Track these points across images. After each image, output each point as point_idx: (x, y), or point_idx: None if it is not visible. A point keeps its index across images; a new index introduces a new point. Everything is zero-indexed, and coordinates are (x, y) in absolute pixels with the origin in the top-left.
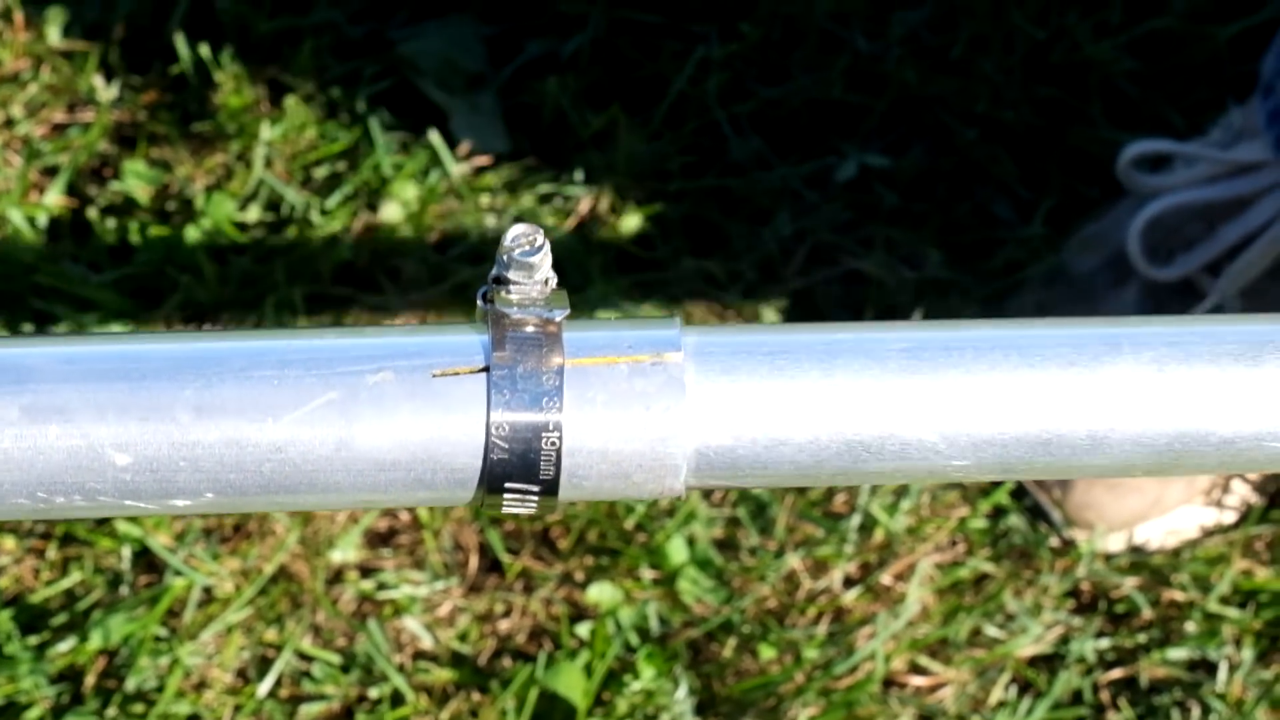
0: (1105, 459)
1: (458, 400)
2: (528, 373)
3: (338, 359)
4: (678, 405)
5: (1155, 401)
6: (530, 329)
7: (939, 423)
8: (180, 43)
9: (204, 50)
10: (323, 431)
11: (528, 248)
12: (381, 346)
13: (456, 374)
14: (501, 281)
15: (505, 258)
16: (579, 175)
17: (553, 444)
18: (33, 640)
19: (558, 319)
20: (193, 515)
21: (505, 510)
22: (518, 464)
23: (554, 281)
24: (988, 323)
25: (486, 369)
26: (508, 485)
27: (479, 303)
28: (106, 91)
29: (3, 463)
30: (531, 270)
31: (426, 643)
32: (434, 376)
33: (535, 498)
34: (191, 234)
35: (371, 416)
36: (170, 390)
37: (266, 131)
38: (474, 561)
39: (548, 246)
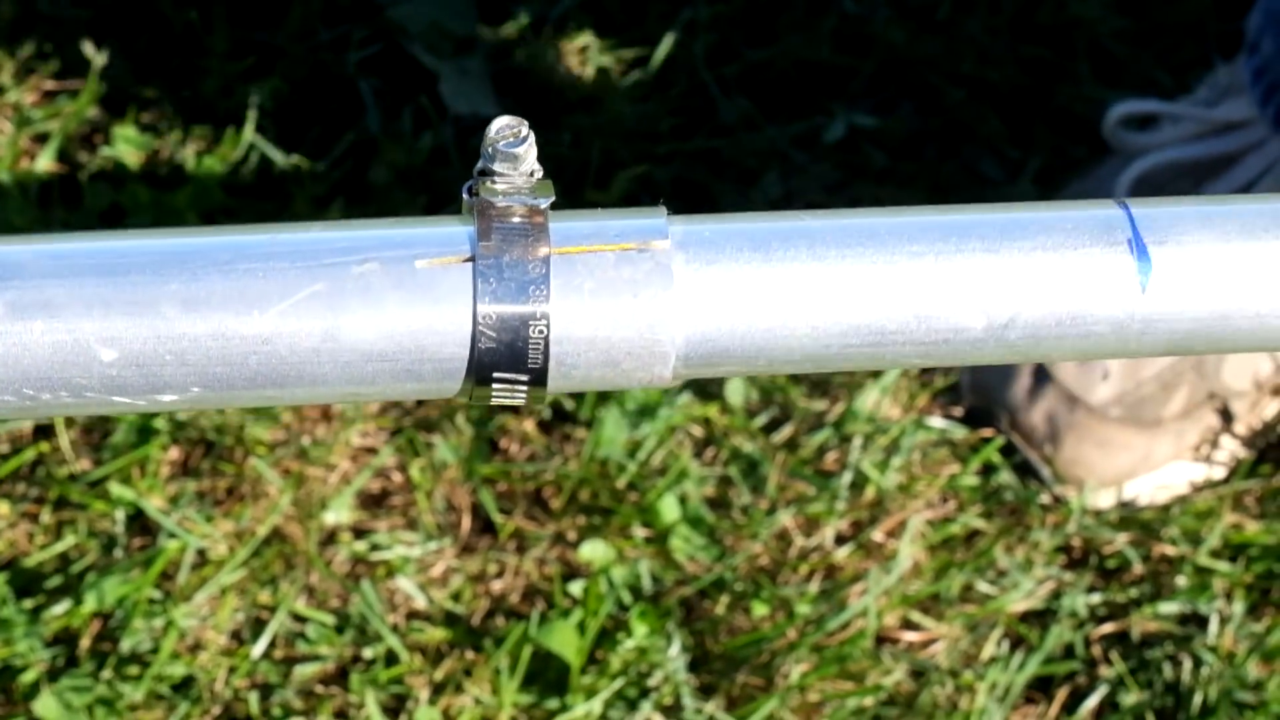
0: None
1: (444, 290)
2: (514, 262)
3: (323, 251)
4: (665, 292)
5: None
6: (516, 219)
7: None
8: (169, 7)
9: (193, 15)
10: (309, 323)
11: (512, 139)
12: (367, 238)
13: (443, 264)
14: (487, 174)
15: (490, 149)
16: (567, 138)
17: (540, 332)
18: (27, 604)
19: (543, 207)
20: (181, 409)
21: (494, 401)
22: (505, 353)
23: (539, 173)
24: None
25: (472, 259)
26: (496, 375)
27: (464, 195)
28: (97, 57)
29: None
30: (517, 161)
31: (420, 603)
32: (419, 266)
33: (524, 388)
34: (182, 198)
35: (358, 307)
36: (156, 284)
37: (256, 95)
38: (466, 522)
39: (532, 138)
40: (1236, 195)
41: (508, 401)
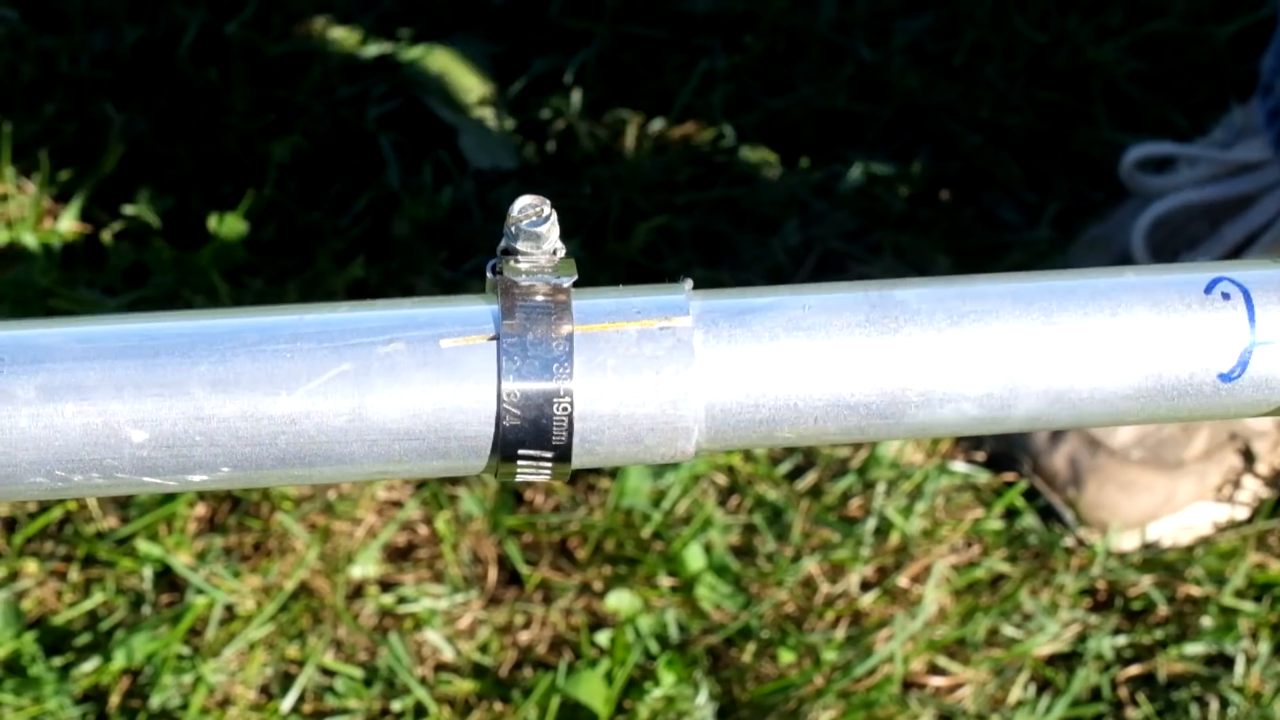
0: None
1: (469, 369)
2: (538, 340)
3: (350, 331)
4: (687, 369)
5: None
6: (539, 297)
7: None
8: (189, 66)
9: (213, 73)
10: (336, 403)
11: (535, 218)
12: (392, 318)
13: (468, 343)
14: (510, 252)
15: (513, 229)
16: (587, 189)
17: (564, 410)
18: (57, 662)
19: (566, 286)
20: (210, 489)
21: (520, 478)
22: (530, 431)
23: (562, 251)
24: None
25: (496, 337)
26: (521, 452)
27: (488, 274)
28: (117, 117)
29: (20, 441)
30: (539, 240)
31: (448, 655)
32: (444, 346)
33: (549, 464)
34: (205, 256)
35: (384, 387)
36: (185, 366)
37: (277, 152)
38: (493, 573)
39: (555, 216)
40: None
41: (533, 477)
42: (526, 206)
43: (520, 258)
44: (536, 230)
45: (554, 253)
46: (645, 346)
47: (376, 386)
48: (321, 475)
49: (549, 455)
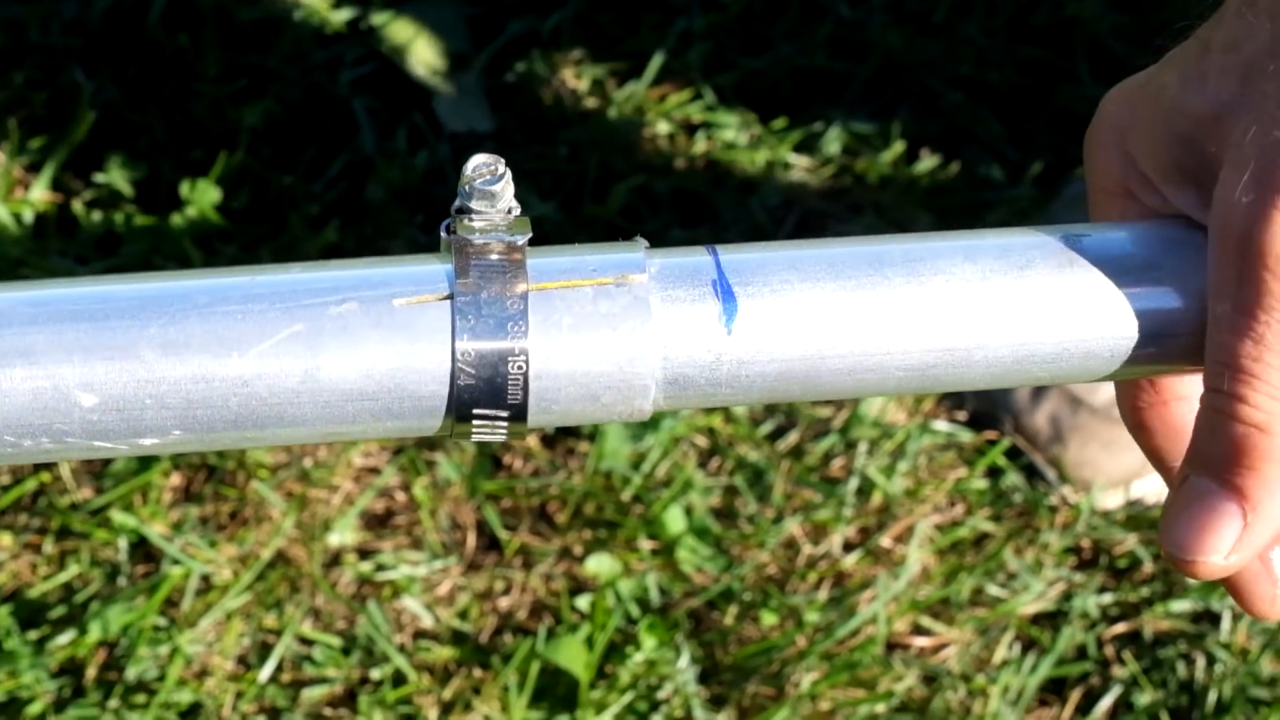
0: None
1: (423, 328)
2: (492, 298)
3: (302, 292)
4: (644, 326)
5: None
6: (494, 256)
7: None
8: (160, 33)
9: (184, 39)
10: (289, 364)
11: (489, 176)
12: (345, 278)
13: (421, 302)
14: (464, 211)
15: (467, 188)
16: (564, 151)
17: (519, 368)
18: (32, 635)
19: (521, 244)
20: (162, 454)
21: (475, 438)
22: (485, 390)
23: (517, 210)
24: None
25: (450, 296)
26: (476, 412)
27: (443, 234)
28: (88, 85)
29: None
30: (494, 199)
31: (427, 622)
32: (397, 305)
33: (504, 423)
34: (177, 223)
35: (337, 347)
36: (135, 329)
37: (249, 118)
38: (472, 539)
39: (509, 175)
40: (829, 240)
41: (488, 437)
42: (480, 165)
43: (474, 216)
44: (490, 189)
45: (508, 211)
46: (601, 304)
47: (329, 347)
48: (274, 437)
49: (504, 414)
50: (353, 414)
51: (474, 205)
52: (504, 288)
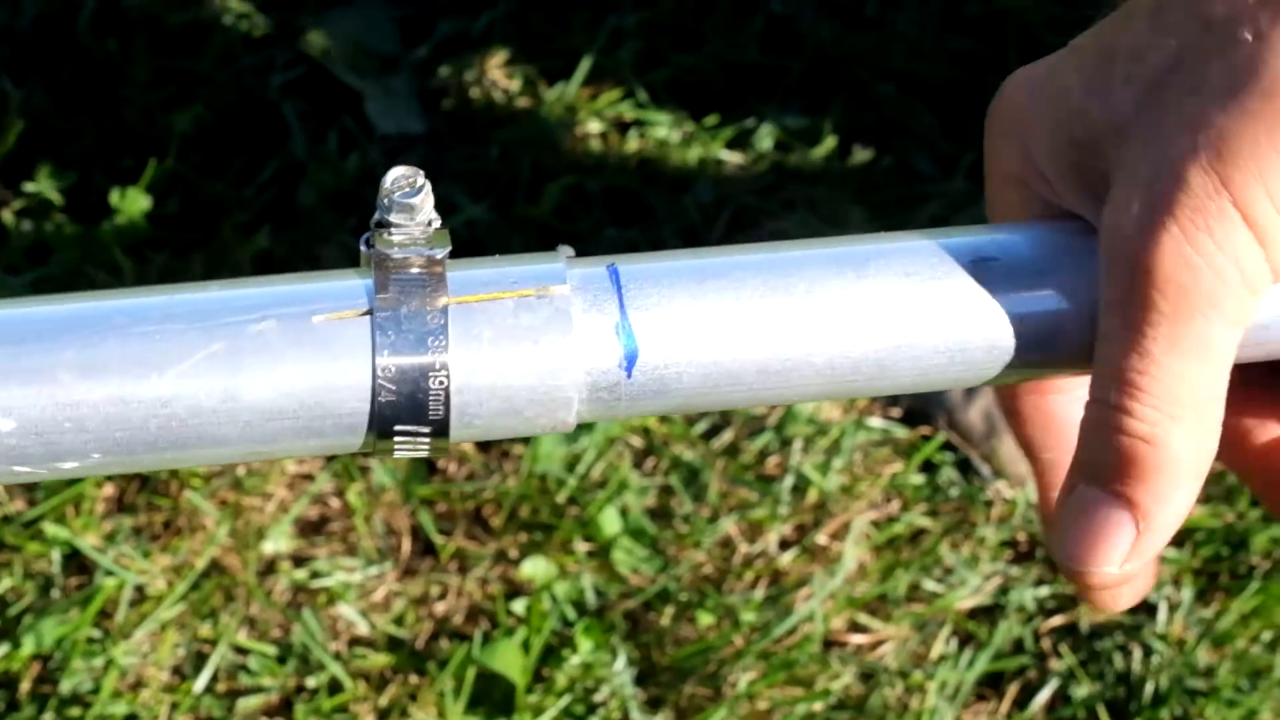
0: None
1: (343, 345)
2: (412, 313)
3: (220, 310)
4: (565, 338)
5: None
6: (414, 270)
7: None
8: (89, 39)
9: (113, 45)
10: (208, 384)
11: (408, 189)
12: (264, 295)
13: (340, 318)
14: (384, 225)
15: (386, 201)
16: (495, 151)
17: (441, 384)
18: None
19: (440, 257)
20: (82, 477)
21: (397, 454)
22: (406, 406)
23: (436, 222)
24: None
25: (370, 312)
26: (397, 428)
27: (362, 248)
28: (16, 93)
29: None
30: (413, 211)
31: (362, 629)
32: (316, 322)
33: (427, 439)
34: (108, 231)
35: (256, 366)
36: (52, 351)
37: (179, 124)
38: (407, 545)
39: (428, 187)
40: (717, 249)
41: (410, 453)
42: (399, 178)
43: (394, 230)
44: (409, 201)
45: (428, 224)
46: (522, 317)
47: (249, 366)
48: (195, 458)
49: (426, 430)
50: (274, 433)
51: (393, 218)
52: (424, 302)
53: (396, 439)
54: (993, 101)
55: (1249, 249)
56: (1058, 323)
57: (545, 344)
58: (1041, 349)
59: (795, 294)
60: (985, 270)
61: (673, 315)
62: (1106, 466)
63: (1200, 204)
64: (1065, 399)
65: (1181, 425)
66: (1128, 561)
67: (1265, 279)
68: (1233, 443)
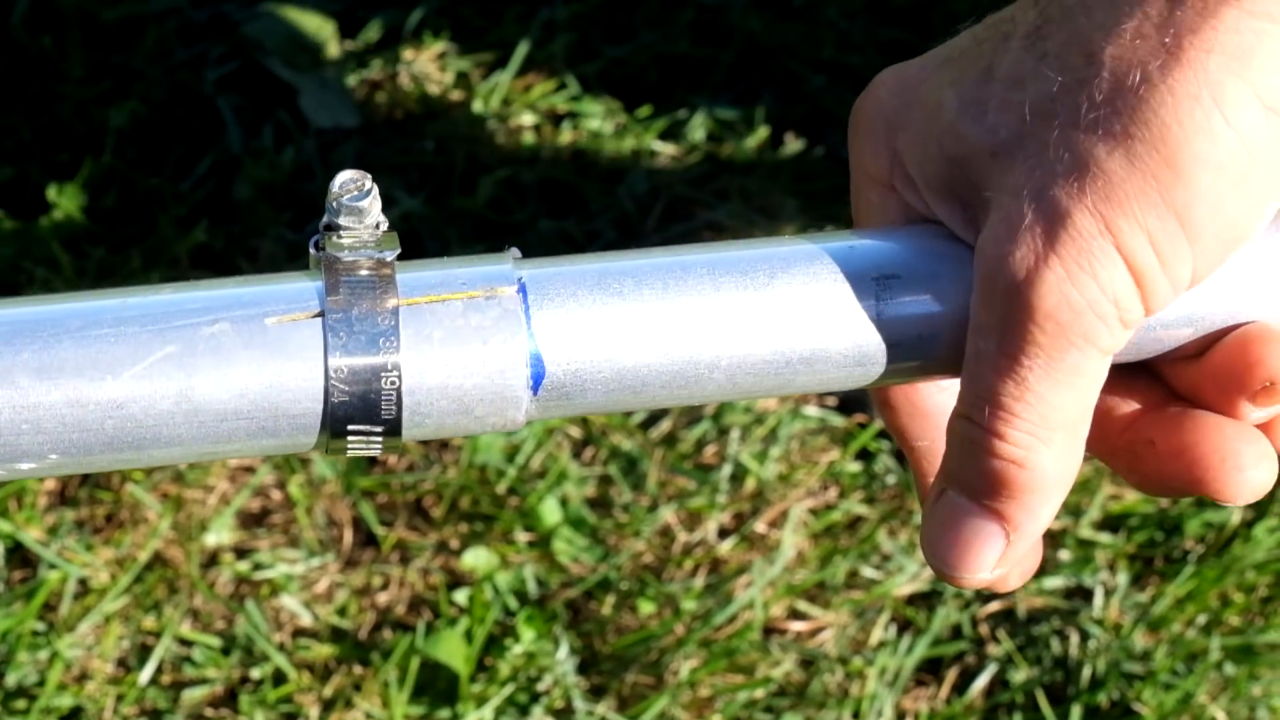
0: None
1: (295, 347)
2: (363, 315)
3: (174, 313)
4: (514, 338)
5: None
6: (363, 272)
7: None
8: (23, 34)
9: (47, 41)
10: (162, 385)
11: (356, 192)
12: (217, 298)
13: (292, 320)
14: (332, 228)
15: (335, 204)
16: (430, 145)
17: (392, 384)
18: None
19: (390, 260)
20: (39, 477)
21: (350, 453)
22: (359, 406)
23: (385, 225)
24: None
25: (322, 314)
26: (350, 428)
27: (311, 250)
28: None
29: None
30: (361, 214)
31: (305, 620)
32: (269, 324)
33: (379, 438)
34: (45, 226)
35: (210, 367)
36: (8, 354)
37: (115, 119)
38: (348, 536)
39: (376, 190)
40: (617, 252)
41: (363, 452)
42: (347, 181)
43: (343, 233)
44: (358, 205)
45: (376, 226)
46: (471, 317)
47: (202, 367)
48: (151, 458)
49: (379, 430)
50: (228, 433)
51: (342, 221)
52: (374, 303)
53: (350, 438)
54: (860, 98)
55: (1127, 290)
56: (929, 333)
57: (494, 344)
58: (920, 356)
59: (671, 296)
60: (860, 275)
61: (581, 320)
62: (978, 483)
63: (1085, 245)
64: (934, 389)
65: (1052, 447)
66: (998, 567)
67: (1139, 315)
68: (1095, 424)
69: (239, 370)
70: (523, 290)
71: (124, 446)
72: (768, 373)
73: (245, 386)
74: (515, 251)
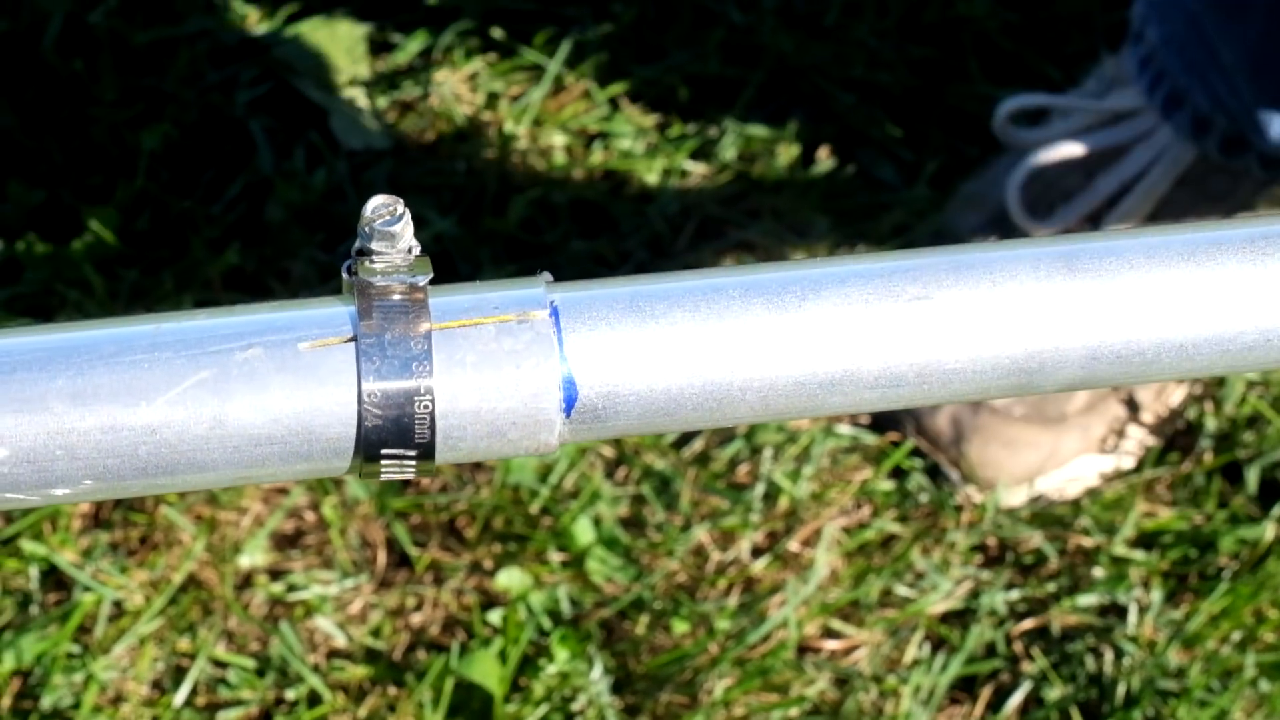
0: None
1: (328, 371)
2: (396, 339)
3: (207, 339)
4: (547, 361)
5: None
6: (396, 296)
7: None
8: (55, 57)
9: (79, 64)
10: (196, 411)
11: (389, 217)
12: (250, 323)
13: (326, 345)
14: (365, 253)
15: (367, 229)
16: (461, 166)
17: (426, 408)
18: None
19: (422, 284)
20: (74, 502)
21: (384, 477)
22: (392, 430)
23: (417, 249)
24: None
25: (355, 338)
26: (384, 452)
27: (344, 275)
28: None
29: None
30: (394, 239)
31: (340, 641)
32: (302, 349)
33: (413, 462)
34: (78, 249)
35: (244, 393)
36: (43, 380)
37: (147, 141)
38: (382, 557)
39: (408, 215)
40: (648, 275)
41: (397, 476)
42: (379, 206)
43: (375, 258)
44: (390, 229)
45: (409, 251)
46: (504, 341)
47: (236, 392)
48: (185, 483)
49: (412, 454)
50: (261, 458)
51: (374, 246)
52: (407, 328)
53: (383, 462)
54: None
55: None
56: None
57: (527, 368)
58: None
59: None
60: (904, 301)
61: (613, 343)
62: None
63: None
64: None
65: None
66: None
67: None
68: None
69: (272, 395)
70: (555, 314)
71: (158, 472)
72: (800, 394)
73: (279, 411)
74: (547, 275)
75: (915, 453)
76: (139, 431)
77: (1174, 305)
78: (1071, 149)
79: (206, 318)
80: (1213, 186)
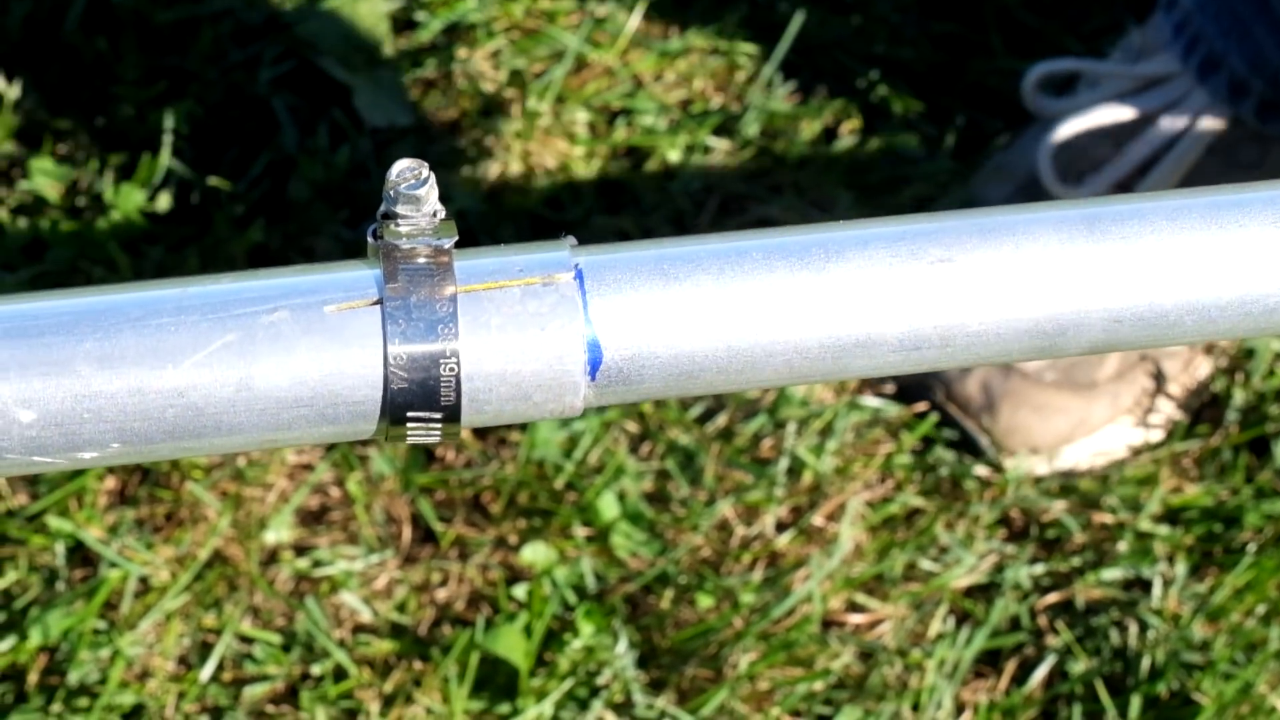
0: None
1: (354, 334)
2: (421, 302)
3: (233, 302)
4: (572, 324)
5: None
6: (421, 259)
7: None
8: (79, 37)
9: (102, 43)
10: (223, 373)
11: (413, 181)
12: (276, 287)
13: (351, 308)
14: (390, 216)
15: (392, 193)
16: (484, 143)
17: (451, 370)
18: None
19: (447, 247)
20: (101, 465)
21: (410, 440)
22: (418, 393)
23: (442, 213)
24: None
25: (380, 301)
26: (410, 415)
27: (369, 239)
28: (9, 91)
29: None
30: (419, 203)
31: (365, 616)
32: (328, 312)
33: (439, 425)
34: (103, 227)
35: (270, 355)
36: (70, 344)
37: (171, 120)
38: (407, 532)
39: (433, 179)
40: (673, 239)
41: (423, 439)
42: (404, 170)
43: (400, 221)
44: (415, 193)
45: (434, 214)
46: (529, 304)
47: (262, 355)
48: (212, 446)
49: (438, 416)
50: (288, 420)
51: (399, 210)
52: (432, 291)
53: (409, 425)
54: None
55: None
56: None
57: (552, 330)
58: None
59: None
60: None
61: (638, 306)
62: None
63: None
64: None
65: None
66: None
67: None
68: None
69: (299, 358)
70: (579, 276)
71: (185, 435)
72: (824, 357)
73: (305, 374)
74: (572, 239)
75: (940, 424)
76: (166, 394)
77: (1196, 268)
78: (1101, 115)
79: (232, 281)
80: (1243, 155)
